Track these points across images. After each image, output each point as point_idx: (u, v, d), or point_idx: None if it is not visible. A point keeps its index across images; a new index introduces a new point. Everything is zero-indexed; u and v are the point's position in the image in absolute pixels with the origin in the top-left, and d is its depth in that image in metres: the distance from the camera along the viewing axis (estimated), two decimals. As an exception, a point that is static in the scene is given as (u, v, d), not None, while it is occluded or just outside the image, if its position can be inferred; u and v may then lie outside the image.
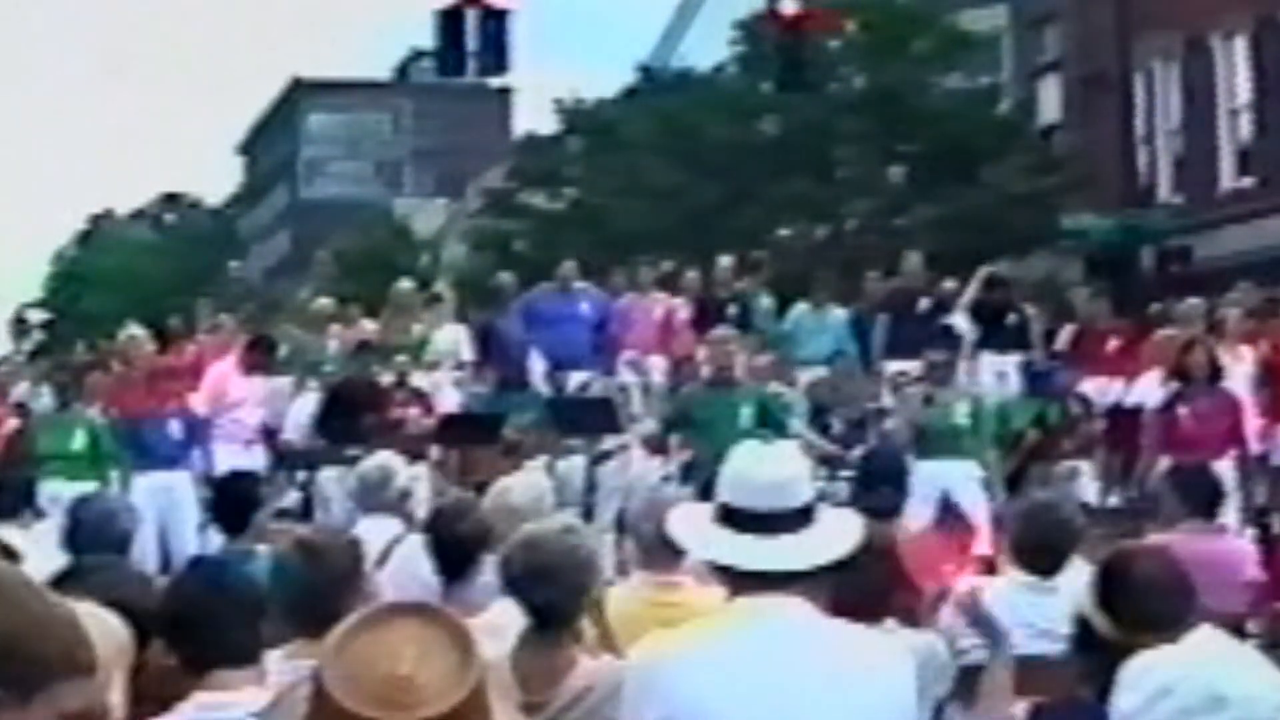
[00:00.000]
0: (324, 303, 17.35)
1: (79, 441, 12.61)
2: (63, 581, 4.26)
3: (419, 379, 14.60)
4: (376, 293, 18.85)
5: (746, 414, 12.25)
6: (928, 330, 15.79)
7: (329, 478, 12.92)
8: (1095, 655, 3.56)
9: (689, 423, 12.49)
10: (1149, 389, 13.02)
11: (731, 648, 3.59)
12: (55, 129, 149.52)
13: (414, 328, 15.81)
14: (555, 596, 4.58)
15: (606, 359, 15.89)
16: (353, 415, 13.28)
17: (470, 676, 2.50)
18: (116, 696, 3.23)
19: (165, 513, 12.31)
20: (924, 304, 16.36)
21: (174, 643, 3.93)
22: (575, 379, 15.43)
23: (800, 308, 16.74)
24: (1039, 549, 5.80)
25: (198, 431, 13.15)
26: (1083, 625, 3.59)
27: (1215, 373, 12.01)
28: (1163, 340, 13.69)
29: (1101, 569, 3.62)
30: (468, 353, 15.97)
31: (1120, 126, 28.19)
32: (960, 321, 16.01)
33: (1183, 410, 11.84)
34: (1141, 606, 3.50)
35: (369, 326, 16.22)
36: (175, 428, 12.97)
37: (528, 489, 6.63)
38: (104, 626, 3.24)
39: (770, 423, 12.09)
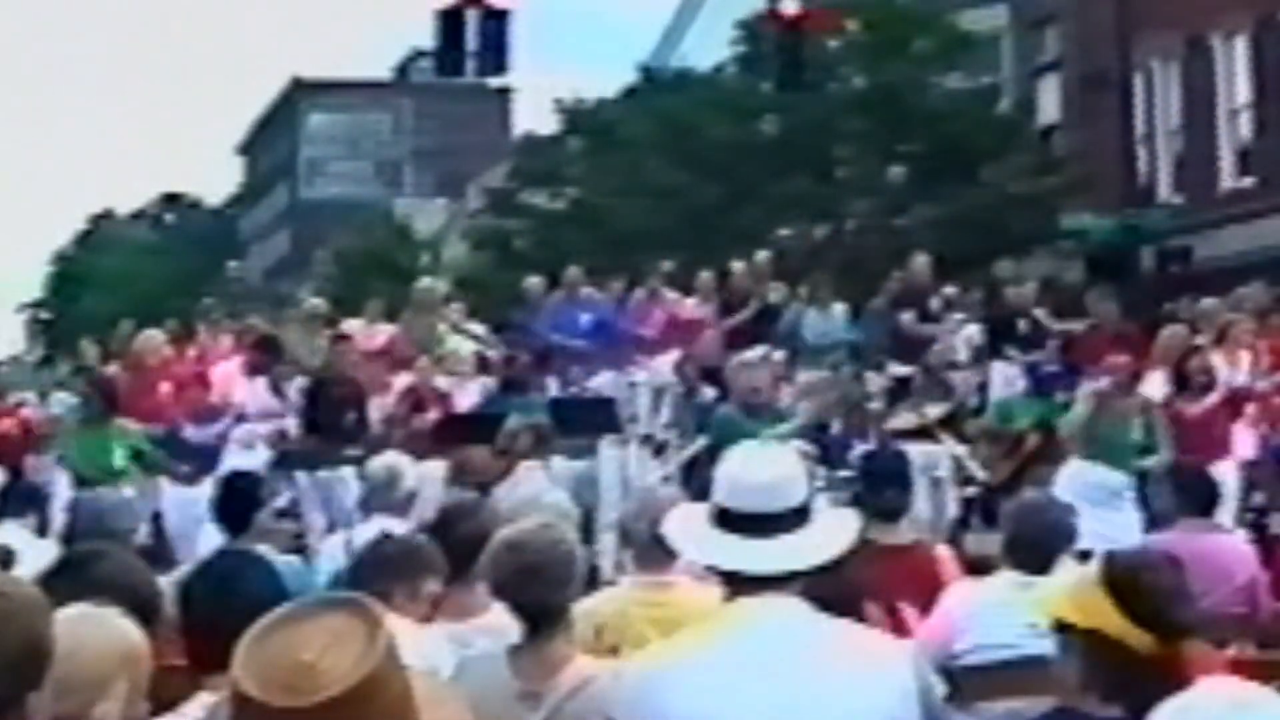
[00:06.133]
0: (315, 302, 17.22)
1: (119, 459, 12.31)
2: (59, 575, 4.14)
3: (438, 379, 14.61)
4: (377, 293, 18.81)
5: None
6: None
7: (306, 483, 12.81)
8: (1107, 666, 3.50)
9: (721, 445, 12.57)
10: (1152, 390, 13.03)
11: (728, 654, 3.59)
12: (55, 129, 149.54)
13: (438, 327, 15.79)
14: (543, 594, 4.60)
15: (614, 361, 15.91)
16: (336, 413, 13.24)
17: (370, 659, 2.61)
18: (113, 706, 3.16)
19: (191, 525, 11.45)
20: (934, 304, 16.37)
21: (186, 642, 3.92)
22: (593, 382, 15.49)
23: (805, 309, 16.72)
24: (1029, 548, 5.90)
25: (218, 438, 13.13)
26: (1096, 637, 3.53)
27: (1210, 381, 12.17)
28: (1167, 341, 13.70)
29: (1108, 580, 3.55)
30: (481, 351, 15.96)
31: (1120, 126, 28.18)
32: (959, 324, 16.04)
33: (1180, 413, 11.92)
34: (1165, 615, 3.47)
35: (354, 324, 16.18)
36: (201, 437, 12.96)
37: (556, 496, 6.62)
38: (106, 633, 3.19)
39: None
